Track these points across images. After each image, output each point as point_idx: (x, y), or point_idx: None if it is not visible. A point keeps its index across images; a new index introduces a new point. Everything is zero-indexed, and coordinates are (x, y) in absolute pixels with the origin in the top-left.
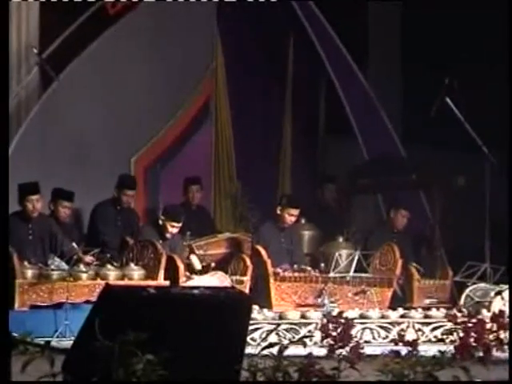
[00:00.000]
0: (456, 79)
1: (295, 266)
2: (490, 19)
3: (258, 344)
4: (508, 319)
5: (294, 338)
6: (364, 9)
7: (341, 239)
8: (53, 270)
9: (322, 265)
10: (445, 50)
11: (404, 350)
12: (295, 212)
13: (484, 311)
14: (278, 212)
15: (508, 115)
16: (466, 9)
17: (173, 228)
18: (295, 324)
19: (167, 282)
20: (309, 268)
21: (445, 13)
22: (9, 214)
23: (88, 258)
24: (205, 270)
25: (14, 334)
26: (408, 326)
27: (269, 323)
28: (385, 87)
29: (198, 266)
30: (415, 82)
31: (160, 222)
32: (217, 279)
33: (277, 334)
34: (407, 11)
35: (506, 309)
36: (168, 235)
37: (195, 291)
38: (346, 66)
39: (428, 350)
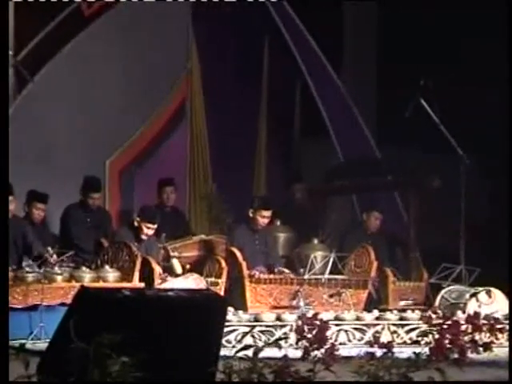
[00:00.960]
0: (432, 80)
1: (277, 268)
2: (466, 19)
3: (233, 346)
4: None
5: (269, 339)
6: (339, 9)
7: (316, 241)
8: (28, 272)
9: (302, 270)
10: (420, 50)
11: (379, 352)
12: (267, 213)
13: (459, 313)
14: (251, 214)
15: (481, 117)
16: (441, 9)
17: (148, 229)
18: (270, 326)
19: (142, 284)
20: (287, 270)
21: (420, 13)
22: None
23: (52, 259)
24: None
25: None
26: (383, 328)
27: (244, 325)
28: (360, 88)
29: (178, 270)
30: (390, 83)
31: (135, 224)
32: (192, 281)
33: (252, 336)
34: (382, 12)
35: (481, 311)
36: (143, 237)
37: (170, 293)
38: (320, 67)
39: (403, 351)
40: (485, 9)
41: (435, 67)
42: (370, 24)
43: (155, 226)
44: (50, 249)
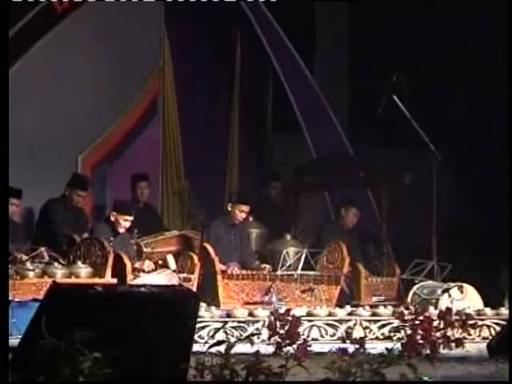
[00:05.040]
0: (403, 77)
1: (254, 263)
2: (436, 19)
3: (206, 342)
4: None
5: (241, 335)
6: (311, 7)
7: (288, 237)
8: None
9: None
10: (392, 48)
11: (351, 348)
12: (246, 208)
13: (431, 308)
14: (229, 209)
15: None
16: (412, 8)
17: (126, 222)
18: (243, 322)
19: (114, 280)
20: (268, 266)
21: (392, 12)
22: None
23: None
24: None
25: None
26: (355, 324)
27: (216, 321)
28: (332, 85)
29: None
30: (363, 80)
31: (112, 218)
32: (164, 277)
33: (224, 331)
34: (354, 10)
35: (453, 306)
36: (121, 230)
37: (142, 289)
38: (293, 64)
39: (375, 347)
40: (454, 8)
41: (406, 65)
42: (342, 22)
43: (132, 218)
44: (43, 248)
